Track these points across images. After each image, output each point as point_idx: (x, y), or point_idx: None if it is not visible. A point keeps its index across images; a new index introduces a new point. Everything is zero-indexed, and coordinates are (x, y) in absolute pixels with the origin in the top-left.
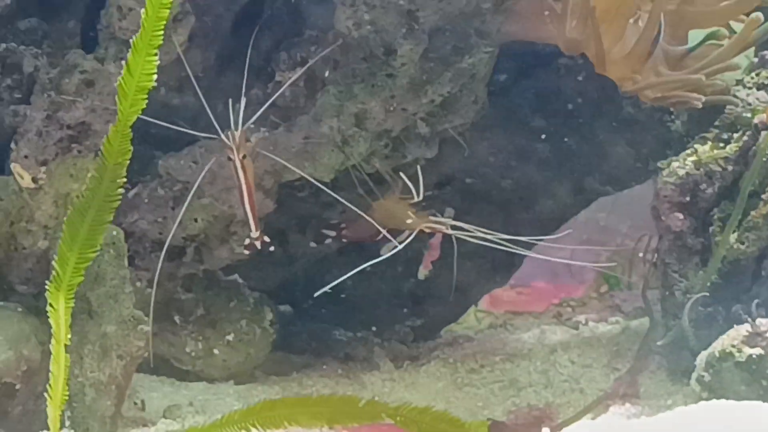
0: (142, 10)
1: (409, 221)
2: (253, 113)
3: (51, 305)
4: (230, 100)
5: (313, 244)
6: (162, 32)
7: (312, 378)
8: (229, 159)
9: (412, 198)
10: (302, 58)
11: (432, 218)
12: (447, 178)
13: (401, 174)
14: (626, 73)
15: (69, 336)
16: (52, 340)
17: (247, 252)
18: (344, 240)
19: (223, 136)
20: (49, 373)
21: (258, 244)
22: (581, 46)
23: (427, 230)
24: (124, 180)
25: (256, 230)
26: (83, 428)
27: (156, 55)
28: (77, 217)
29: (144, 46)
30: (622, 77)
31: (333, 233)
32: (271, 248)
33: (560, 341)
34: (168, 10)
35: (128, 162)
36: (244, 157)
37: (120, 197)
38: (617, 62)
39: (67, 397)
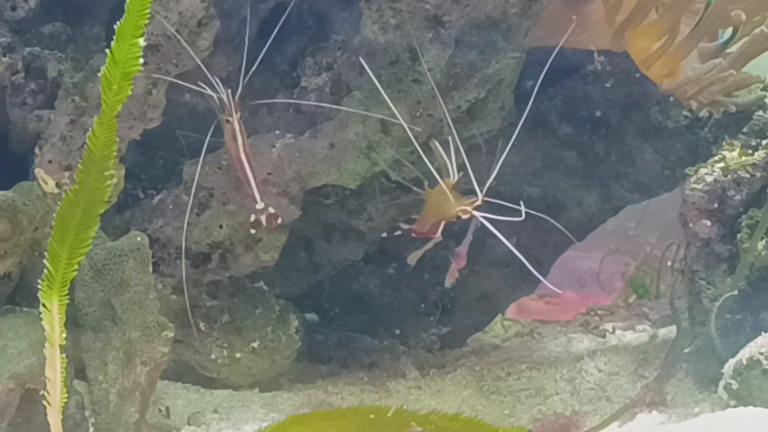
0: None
1: (452, 207)
2: (279, 119)
3: (44, 305)
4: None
5: (384, 234)
6: (147, 14)
7: (337, 386)
8: (227, 122)
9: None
10: (328, 63)
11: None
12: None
13: (457, 134)
14: (665, 72)
15: (65, 336)
16: (46, 344)
17: (253, 231)
18: (414, 235)
19: (221, 93)
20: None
21: (263, 219)
22: (625, 44)
23: (463, 214)
24: (112, 173)
25: (260, 200)
26: None
27: (141, 37)
28: (67, 211)
29: (129, 30)
30: (661, 75)
31: (406, 227)
32: (279, 220)
33: (587, 349)
34: None
35: (115, 154)
36: (240, 117)
37: (109, 189)
38: (658, 61)
39: (66, 401)
